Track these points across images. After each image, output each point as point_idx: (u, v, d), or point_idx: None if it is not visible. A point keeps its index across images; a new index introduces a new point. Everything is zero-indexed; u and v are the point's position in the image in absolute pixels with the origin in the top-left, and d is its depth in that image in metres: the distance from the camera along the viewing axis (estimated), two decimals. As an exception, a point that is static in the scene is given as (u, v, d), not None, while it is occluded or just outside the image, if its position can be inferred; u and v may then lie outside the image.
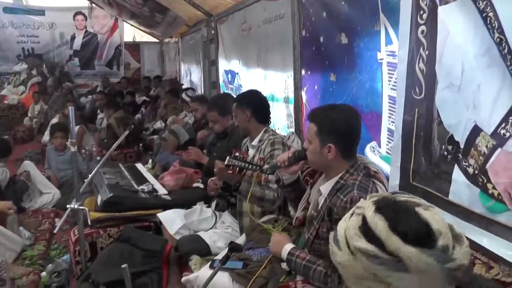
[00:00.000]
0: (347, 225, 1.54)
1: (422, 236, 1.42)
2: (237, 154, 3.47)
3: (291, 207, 3.54)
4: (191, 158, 4.99)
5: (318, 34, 4.38)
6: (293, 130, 5.07)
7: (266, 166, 3.19)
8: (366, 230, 1.47)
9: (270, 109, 4.13)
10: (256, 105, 4.00)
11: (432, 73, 2.71)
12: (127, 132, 4.16)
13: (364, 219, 1.50)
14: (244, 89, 7.15)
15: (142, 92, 13.56)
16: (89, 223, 3.69)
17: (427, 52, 2.73)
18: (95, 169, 4.06)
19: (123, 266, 2.37)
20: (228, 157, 3.41)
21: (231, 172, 3.49)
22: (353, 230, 1.49)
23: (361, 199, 1.65)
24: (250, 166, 3.38)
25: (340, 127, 2.62)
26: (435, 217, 1.49)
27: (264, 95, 4.15)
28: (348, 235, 1.50)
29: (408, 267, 1.39)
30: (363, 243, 1.45)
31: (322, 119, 2.67)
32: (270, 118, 4.11)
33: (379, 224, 1.44)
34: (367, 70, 3.65)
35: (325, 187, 2.71)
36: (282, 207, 3.80)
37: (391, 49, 3.30)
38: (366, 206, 1.53)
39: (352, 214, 1.58)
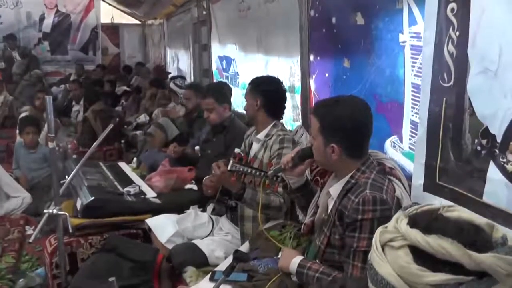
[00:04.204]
0: (393, 266, 1.49)
1: (485, 237, 1.42)
2: (241, 153, 3.47)
3: (301, 213, 3.53)
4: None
5: (330, 14, 4.38)
6: (300, 123, 5.07)
7: (270, 172, 3.18)
8: (427, 259, 1.43)
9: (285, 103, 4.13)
10: (270, 96, 4.00)
11: (463, 57, 2.70)
12: (111, 126, 4.15)
13: (412, 247, 1.48)
14: (241, 77, 7.16)
15: (122, 82, 13.52)
16: (70, 230, 3.69)
17: (457, 33, 2.73)
18: (76, 168, 4.05)
19: (110, 279, 2.38)
20: (231, 161, 3.39)
21: (234, 178, 3.47)
22: (411, 267, 1.43)
23: (381, 228, 1.63)
24: (257, 173, 3.36)
25: (345, 125, 2.60)
26: (466, 213, 1.51)
27: (284, 87, 4.15)
28: (407, 274, 1.44)
29: (498, 277, 1.39)
30: (438, 276, 1.39)
31: (324, 115, 2.66)
32: (282, 114, 4.12)
33: (442, 245, 1.40)
34: (387, 54, 3.65)
35: (335, 189, 2.72)
36: (289, 210, 3.80)
37: (415, 30, 3.30)
38: (404, 231, 1.51)
39: (384, 252, 1.56)
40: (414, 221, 1.54)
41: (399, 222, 1.55)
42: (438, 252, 1.40)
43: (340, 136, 2.61)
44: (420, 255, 1.44)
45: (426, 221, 1.52)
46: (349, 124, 2.60)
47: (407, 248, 1.47)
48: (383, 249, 1.54)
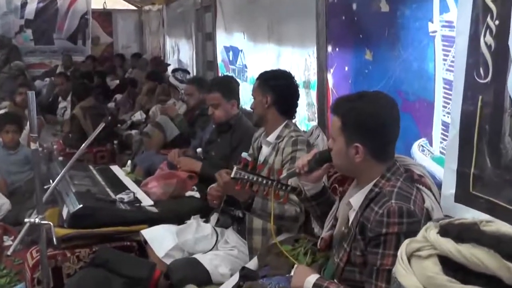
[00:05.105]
0: (418, 277, 1.49)
1: None
2: (248, 159, 3.44)
3: (317, 225, 3.52)
4: (181, 170, 5.00)
5: (350, -1, 4.39)
6: (316, 123, 5.06)
7: (282, 175, 3.17)
8: (458, 271, 1.42)
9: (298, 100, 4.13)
10: (283, 92, 3.99)
11: (503, 49, 2.69)
12: (103, 125, 4.14)
13: (441, 257, 1.47)
14: (250, 70, 7.16)
15: (115, 75, 13.54)
16: (55, 242, 3.68)
17: (496, 22, 2.72)
18: (62, 172, 4.04)
19: (100, 297, 2.38)
20: (235, 168, 3.35)
21: (238, 187, 3.41)
22: (439, 278, 1.43)
23: (408, 240, 1.62)
24: (264, 181, 3.33)
25: (370, 121, 2.60)
26: (506, 227, 1.50)
27: (297, 82, 4.15)
28: (434, 286, 1.44)
29: None
30: None
31: (347, 111, 2.66)
32: (295, 112, 4.12)
33: (477, 255, 1.39)
34: (414, 46, 3.65)
35: (356, 198, 2.71)
36: (303, 222, 3.79)
37: (447, 18, 3.30)
38: (434, 239, 1.50)
39: (410, 263, 1.55)
40: (445, 231, 1.53)
41: (428, 231, 1.55)
42: (471, 262, 1.40)
43: (365, 135, 2.60)
44: (451, 267, 1.44)
45: (459, 231, 1.51)
46: (375, 122, 2.60)
47: (435, 258, 1.47)
48: (409, 261, 1.54)
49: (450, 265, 1.44)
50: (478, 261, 1.38)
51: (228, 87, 4.84)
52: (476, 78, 2.87)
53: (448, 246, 1.44)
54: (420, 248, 1.52)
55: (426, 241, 1.52)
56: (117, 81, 12.58)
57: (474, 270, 1.40)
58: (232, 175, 3.35)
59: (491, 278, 1.38)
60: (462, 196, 3.04)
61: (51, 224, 3.66)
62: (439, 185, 3.07)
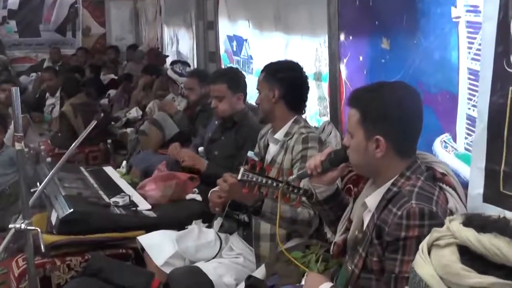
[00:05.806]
0: (435, 266, 1.51)
1: None
2: (255, 158, 3.41)
3: (329, 230, 3.49)
4: (185, 164, 4.99)
5: (365, -18, 4.39)
6: (328, 118, 5.05)
7: (292, 177, 3.15)
8: (476, 261, 1.44)
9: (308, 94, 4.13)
10: (291, 85, 3.98)
11: (535, 36, 2.69)
12: (95, 122, 4.13)
13: (461, 247, 1.48)
14: (256, 62, 7.15)
15: (109, 69, 13.55)
16: (43, 250, 3.68)
17: (528, 6, 2.71)
18: (50, 174, 4.04)
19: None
20: (242, 169, 3.31)
21: (246, 190, 3.37)
22: (454, 266, 1.46)
23: (433, 232, 1.63)
24: (273, 184, 3.29)
25: (393, 112, 2.59)
26: None
27: (306, 74, 4.14)
28: (449, 274, 1.47)
29: None
30: (484, 278, 1.41)
31: (367, 102, 2.64)
32: (305, 107, 4.13)
33: (497, 245, 1.41)
34: (436, 33, 3.64)
35: (372, 199, 2.70)
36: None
37: (472, 2, 3.28)
38: (455, 229, 1.50)
39: (429, 254, 1.57)
40: (469, 221, 1.54)
41: (452, 222, 1.56)
42: (490, 252, 1.42)
43: (388, 126, 2.59)
44: (470, 257, 1.47)
45: (483, 222, 1.52)
46: (397, 112, 2.60)
47: (454, 247, 1.50)
48: (429, 252, 1.55)
49: (470, 256, 1.46)
50: (498, 251, 1.40)
51: (235, 79, 4.84)
52: (506, 67, 2.85)
53: (468, 234, 1.46)
54: (440, 237, 1.54)
55: (448, 231, 1.53)
56: (111, 75, 12.58)
57: (494, 261, 1.41)
58: (239, 177, 3.31)
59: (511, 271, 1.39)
60: (491, 196, 3.01)
61: (39, 230, 3.66)
62: (464, 184, 3.06)
